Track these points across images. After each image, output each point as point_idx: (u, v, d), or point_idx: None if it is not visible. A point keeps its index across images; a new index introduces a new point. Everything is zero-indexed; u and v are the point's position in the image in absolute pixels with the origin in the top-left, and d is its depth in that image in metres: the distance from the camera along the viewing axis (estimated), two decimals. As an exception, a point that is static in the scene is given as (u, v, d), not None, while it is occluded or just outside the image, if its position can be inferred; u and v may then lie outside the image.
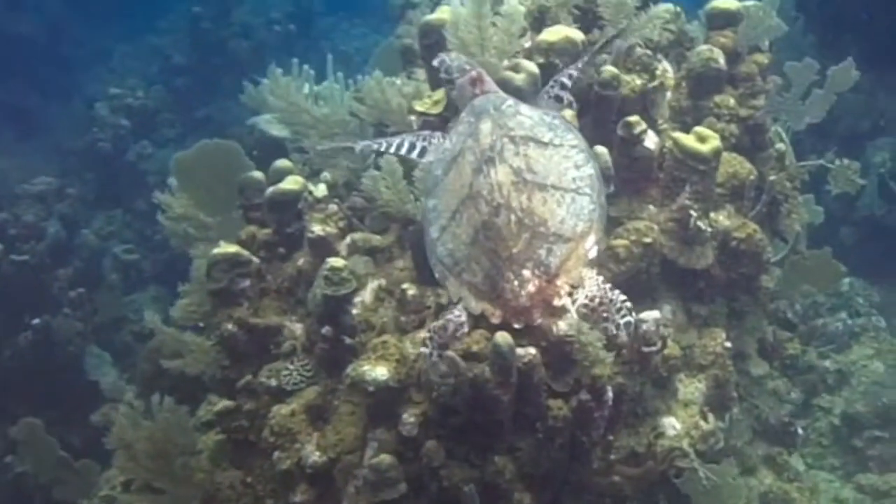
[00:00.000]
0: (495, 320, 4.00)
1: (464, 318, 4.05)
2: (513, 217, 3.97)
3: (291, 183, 5.85)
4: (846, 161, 6.54)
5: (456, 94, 4.80)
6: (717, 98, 6.09)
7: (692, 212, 5.44)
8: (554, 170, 4.11)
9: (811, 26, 11.75)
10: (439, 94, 5.57)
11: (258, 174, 6.21)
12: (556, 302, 3.96)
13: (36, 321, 11.85)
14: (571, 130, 4.37)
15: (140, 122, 16.82)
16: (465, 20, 5.29)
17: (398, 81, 6.28)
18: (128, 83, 17.56)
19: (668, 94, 6.22)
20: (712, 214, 5.70)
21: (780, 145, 6.50)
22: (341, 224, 5.78)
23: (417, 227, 5.15)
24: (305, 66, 6.30)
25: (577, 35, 5.68)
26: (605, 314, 4.00)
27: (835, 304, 9.10)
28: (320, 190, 5.79)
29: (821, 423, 7.56)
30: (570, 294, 3.99)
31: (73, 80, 19.34)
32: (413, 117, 5.72)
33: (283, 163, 6.19)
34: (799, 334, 6.80)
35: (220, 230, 6.44)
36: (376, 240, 5.60)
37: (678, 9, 6.67)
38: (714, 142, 5.51)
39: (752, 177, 5.88)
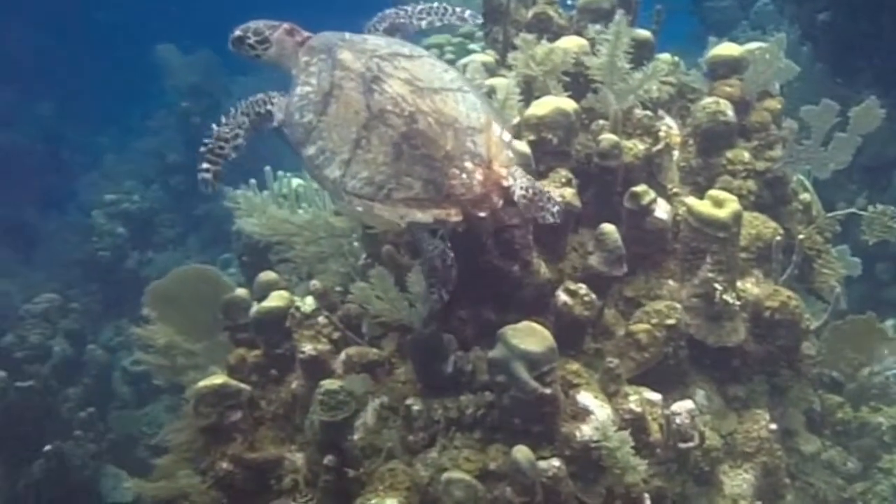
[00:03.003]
0: (455, 219, 3.95)
1: (437, 244, 4.04)
2: (430, 119, 3.96)
3: (276, 300, 5.40)
4: (880, 207, 5.98)
5: (275, 51, 4.53)
6: (730, 153, 5.62)
7: (716, 285, 4.95)
8: (433, 76, 4.16)
9: (819, 54, 11.24)
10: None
11: (241, 292, 5.78)
12: (505, 183, 3.99)
13: (48, 447, 11.33)
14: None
15: (138, 226, 16.59)
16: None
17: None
18: (124, 187, 17.35)
19: (676, 154, 5.74)
20: (739, 283, 5.18)
21: (804, 196, 6.00)
22: (335, 336, 5.31)
23: (417, 335, 4.75)
24: (280, 172, 5.91)
25: (569, 104, 5.21)
26: (539, 203, 4.09)
27: (880, 350, 8.43)
28: (308, 304, 5.30)
29: (882, 486, 6.95)
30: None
31: (70, 188, 19.15)
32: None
33: (267, 276, 5.75)
34: (847, 395, 6.21)
35: (207, 356, 6.00)
36: (373, 353, 5.10)
37: (676, 58, 6.23)
38: (732, 205, 5.01)
39: (777, 237, 5.37)
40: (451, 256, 4.06)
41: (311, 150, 4.10)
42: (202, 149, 4.43)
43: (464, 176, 3.92)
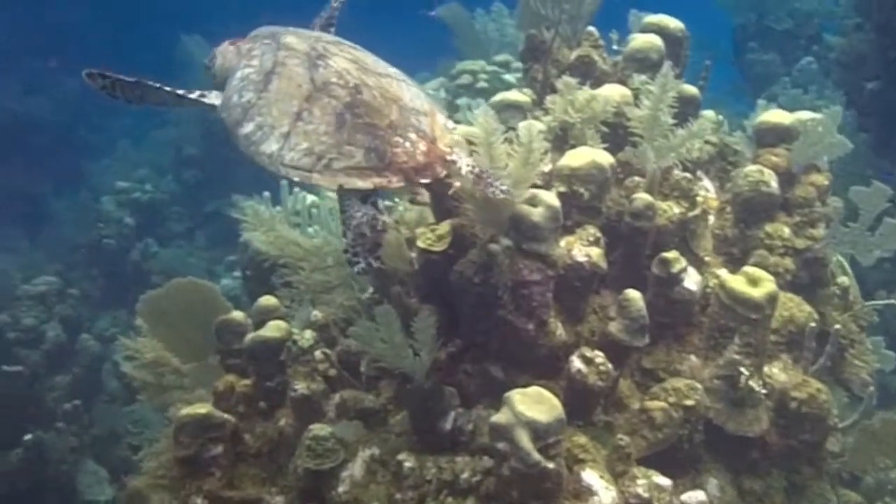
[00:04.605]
0: (396, 185, 3.86)
1: (367, 210, 3.83)
2: (375, 92, 3.92)
3: (274, 330, 5.11)
4: (922, 299, 5.65)
5: (220, 62, 4.35)
6: (770, 227, 5.28)
7: (743, 369, 4.61)
8: (378, 64, 4.15)
9: (864, 123, 10.86)
10: (444, 227, 4.78)
11: (238, 315, 5.50)
12: (448, 157, 3.97)
13: (28, 437, 11.15)
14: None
15: (147, 217, 16.36)
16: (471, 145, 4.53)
17: (400, 207, 5.54)
18: (137, 175, 17.12)
19: (711, 219, 5.43)
20: (766, 368, 4.85)
21: (842, 279, 5.65)
22: (331, 372, 5.01)
23: (417, 386, 4.46)
24: (296, 191, 5.62)
25: (605, 158, 4.90)
26: (488, 180, 4.05)
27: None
28: (306, 338, 4.99)
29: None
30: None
31: (84, 168, 18.93)
32: (413, 254, 4.96)
33: (267, 300, 5.46)
34: (865, 490, 5.86)
35: (195, 377, 5.70)
36: (369, 400, 4.82)
37: (720, 117, 5.93)
38: (768, 285, 4.68)
39: (812, 322, 5.03)
40: (383, 221, 3.86)
41: (248, 128, 3.93)
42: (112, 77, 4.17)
43: (407, 144, 3.87)
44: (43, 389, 12.23)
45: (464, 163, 4.04)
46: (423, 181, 3.94)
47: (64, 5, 26.93)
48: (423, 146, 3.88)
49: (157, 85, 4.15)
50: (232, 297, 12.50)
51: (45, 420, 11.65)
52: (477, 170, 4.06)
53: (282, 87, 3.94)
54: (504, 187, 4.09)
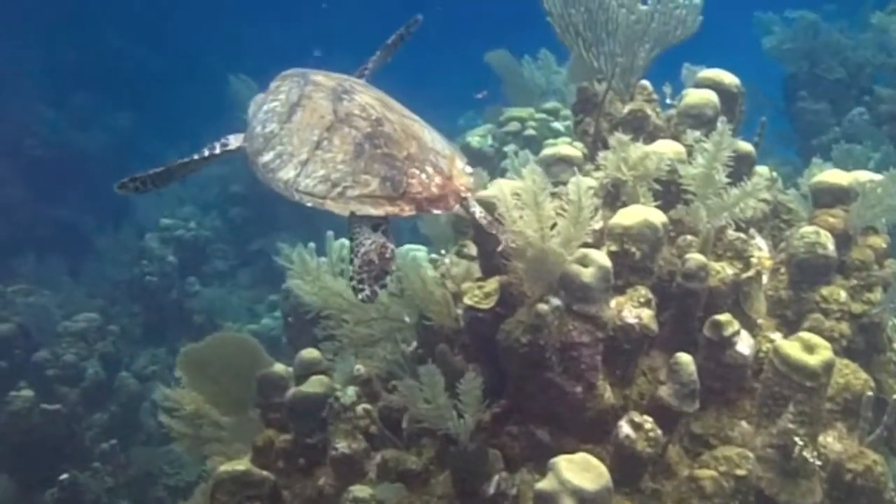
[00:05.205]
0: (408, 213, 3.80)
1: (377, 238, 3.73)
2: (396, 126, 3.91)
3: (316, 385, 5.04)
4: None
5: (252, 110, 4.31)
6: (825, 290, 5.11)
7: (797, 438, 4.45)
8: (402, 108, 4.16)
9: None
10: (492, 284, 4.70)
11: (279, 368, 5.44)
12: (463, 193, 3.93)
13: (64, 476, 11.12)
14: None
15: (190, 255, 16.35)
16: (518, 201, 4.43)
17: (447, 259, 5.46)
18: (182, 212, 17.13)
19: (764, 279, 5.28)
20: (821, 437, 4.68)
21: (899, 343, 5.49)
22: (372, 429, 4.92)
23: (461, 449, 4.38)
24: (341, 240, 5.56)
25: (658, 217, 4.79)
26: (494, 229, 4.18)
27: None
28: (348, 395, 4.92)
29: None
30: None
31: (132, 202, 19.01)
32: (460, 310, 4.86)
33: (309, 353, 5.39)
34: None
35: (235, 431, 5.61)
36: (411, 461, 4.70)
37: (774, 174, 5.80)
38: (825, 353, 4.51)
39: (868, 391, 4.86)
40: (391, 249, 3.76)
41: (267, 157, 3.94)
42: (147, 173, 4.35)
43: (423, 176, 3.82)
44: (80, 428, 12.24)
45: (476, 209, 4.08)
46: (435, 212, 3.92)
47: (115, 41, 27.29)
48: (438, 179, 3.84)
49: (185, 160, 4.24)
50: (272, 337, 12.51)
51: (81, 459, 11.66)
52: (486, 221, 4.14)
53: (304, 118, 3.96)
54: (513, 244, 4.23)
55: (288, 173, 3.83)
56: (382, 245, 3.69)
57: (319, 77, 4.17)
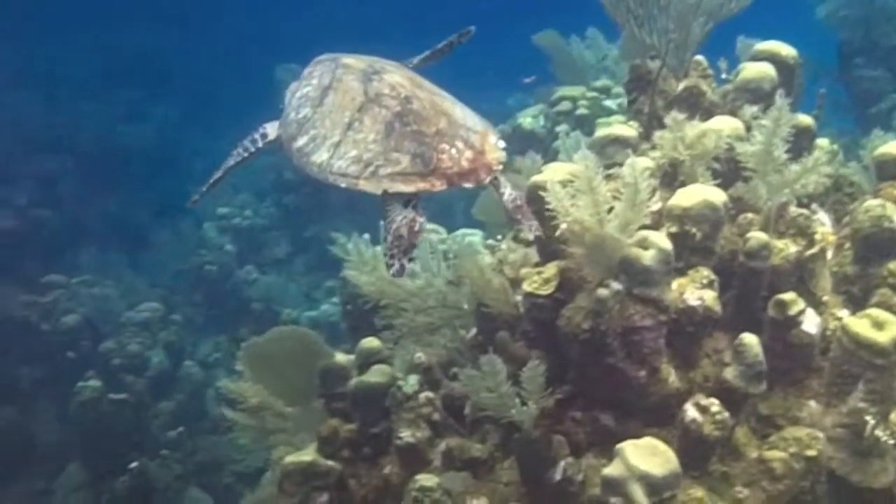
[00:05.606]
0: (439, 188, 3.79)
1: (408, 213, 3.79)
2: (426, 103, 3.93)
3: (378, 374, 5.08)
4: None
5: (288, 98, 4.35)
6: (893, 265, 4.98)
7: (868, 417, 4.37)
8: (434, 87, 4.15)
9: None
10: (551, 269, 4.67)
11: (341, 358, 5.49)
12: (495, 167, 3.90)
13: (134, 464, 11.29)
14: None
15: (246, 242, 16.52)
16: (573, 185, 4.39)
17: (503, 245, 5.43)
18: (237, 200, 17.23)
19: (829, 255, 5.19)
20: (892, 416, 4.59)
21: (970, 319, 5.36)
22: (435, 417, 4.93)
23: (525, 436, 4.37)
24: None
25: (719, 196, 4.70)
26: (524, 215, 4.13)
27: None
28: (410, 384, 4.94)
29: None
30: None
31: (190, 192, 19.13)
32: (519, 297, 4.84)
33: (370, 343, 5.42)
34: None
35: (299, 422, 5.66)
36: (476, 449, 4.71)
37: (835, 146, 5.68)
38: (895, 329, 4.43)
39: (940, 366, 4.76)
40: (422, 222, 3.82)
41: (301, 141, 4.00)
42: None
43: (453, 151, 3.82)
44: (147, 417, 12.44)
45: (507, 190, 4.10)
46: (467, 185, 3.90)
47: (159, 35, 27.50)
48: (469, 154, 3.84)
49: (232, 162, 4.36)
50: (331, 323, 12.57)
51: (149, 447, 11.85)
52: (518, 202, 4.12)
53: (336, 101, 4.00)
54: (538, 232, 4.20)
55: (321, 156, 3.88)
56: (412, 219, 3.75)
57: (350, 60, 4.21)
